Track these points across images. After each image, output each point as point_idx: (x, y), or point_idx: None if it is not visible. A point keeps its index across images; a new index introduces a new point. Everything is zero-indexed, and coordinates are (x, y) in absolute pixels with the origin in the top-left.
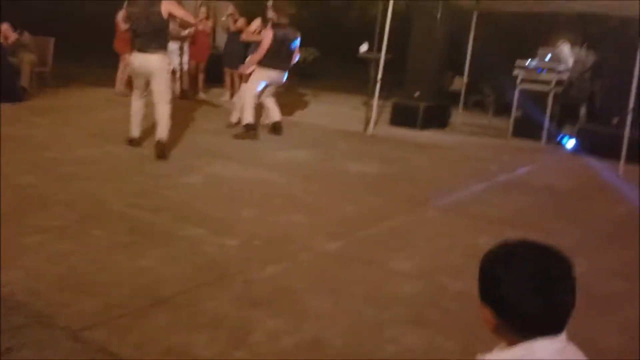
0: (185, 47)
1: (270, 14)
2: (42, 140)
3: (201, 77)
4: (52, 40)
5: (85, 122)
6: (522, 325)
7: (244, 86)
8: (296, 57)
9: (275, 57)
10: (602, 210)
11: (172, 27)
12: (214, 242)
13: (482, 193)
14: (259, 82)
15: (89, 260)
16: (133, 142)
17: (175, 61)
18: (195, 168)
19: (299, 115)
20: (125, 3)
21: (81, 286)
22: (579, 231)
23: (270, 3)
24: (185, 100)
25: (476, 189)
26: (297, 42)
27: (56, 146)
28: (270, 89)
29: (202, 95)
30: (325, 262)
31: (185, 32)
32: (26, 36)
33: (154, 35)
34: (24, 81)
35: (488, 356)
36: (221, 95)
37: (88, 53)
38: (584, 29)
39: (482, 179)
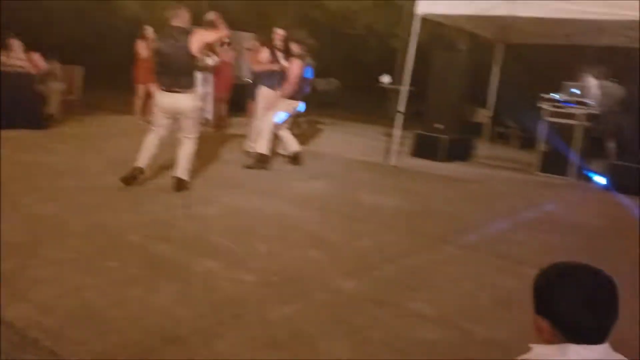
0: (209, 77)
1: (293, 45)
2: (62, 168)
3: (224, 107)
4: (80, 69)
5: (106, 149)
6: (572, 335)
7: (259, 115)
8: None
9: (297, 88)
10: (632, 251)
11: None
12: (230, 277)
13: (507, 231)
14: (279, 113)
15: (103, 295)
16: (135, 172)
17: (200, 91)
18: (212, 199)
19: (318, 145)
20: (154, 37)
21: (94, 322)
22: (609, 272)
23: (279, 31)
24: (208, 130)
25: (501, 226)
26: (311, 71)
27: (75, 174)
28: (288, 120)
29: (225, 125)
30: (341, 303)
31: (209, 62)
32: (56, 65)
33: (183, 72)
34: (52, 108)
35: (525, 356)
36: (243, 125)
37: (116, 81)
38: (612, 62)
39: (507, 216)
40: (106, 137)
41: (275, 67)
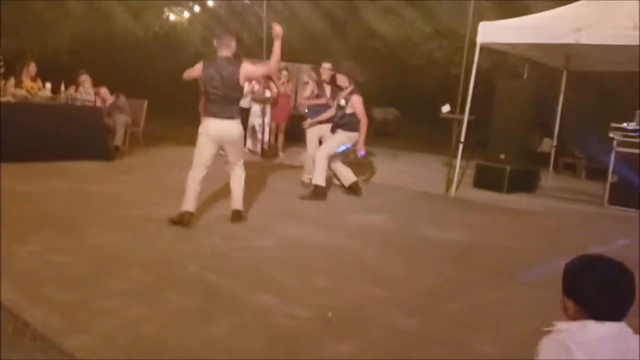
0: (267, 108)
1: (340, 77)
2: (125, 199)
3: (281, 137)
4: (144, 103)
5: (169, 180)
6: (593, 314)
7: (311, 147)
8: None
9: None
10: None
11: (257, 89)
12: (286, 312)
13: None
14: (339, 145)
15: (160, 326)
16: (184, 217)
17: (257, 122)
18: (269, 230)
19: (377, 176)
20: (201, 62)
21: (150, 355)
22: None
23: (325, 65)
24: (265, 160)
25: (568, 261)
26: None
27: (138, 204)
28: (344, 152)
29: (281, 155)
30: (401, 341)
31: (268, 94)
32: (122, 99)
33: (229, 101)
34: (118, 140)
35: (556, 327)
36: (300, 155)
37: (180, 113)
38: None
39: (575, 251)
40: (169, 168)
41: (321, 101)
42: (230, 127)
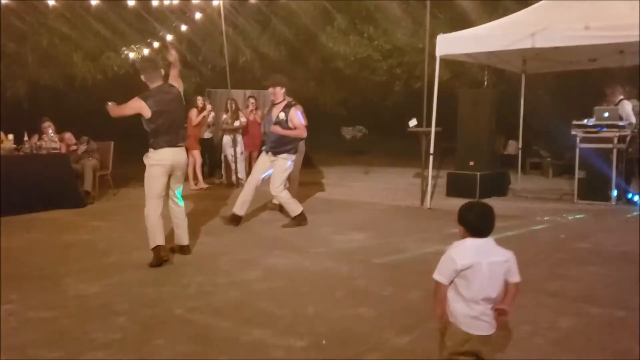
0: (238, 138)
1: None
2: (102, 245)
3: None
4: (111, 144)
5: (143, 222)
6: (472, 233)
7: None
8: None
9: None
10: None
11: (224, 119)
12: (281, 345)
13: (556, 266)
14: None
15: None
16: (160, 254)
17: (230, 152)
18: (253, 261)
19: (352, 194)
20: (137, 99)
21: None
22: None
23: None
24: (240, 189)
25: (549, 261)
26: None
27: (116, 250)
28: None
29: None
30: None
31: (237, 123)
32: (92, 145)
33: (181, 126)
34: (87, 185)
35: (454, 245)
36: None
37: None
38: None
39: (554, 250)
40: (142, 209)
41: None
42: (183, 154)
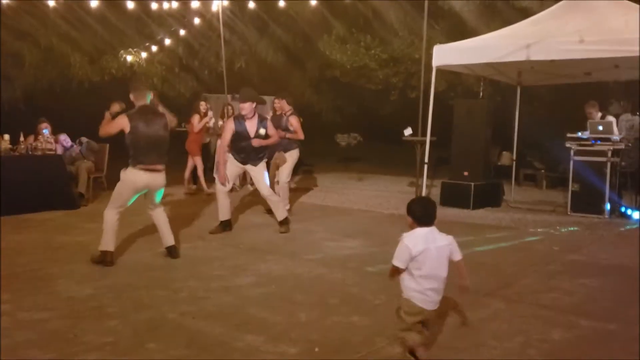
0: None
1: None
2: (95, 248)
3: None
4: (106, 147)
5: (137, 224)
6: (419, 223)
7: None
8: None
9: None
10: None
11: (221, 125)
12: (273, 351)
13: (549, 278)
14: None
15: None
16: (107, 257)
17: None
18: (247, 267)
19: (345, 201)
20: (124, 117)
21: None
22: None
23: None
24: (235, 195)
25: (542, 273)
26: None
27: None
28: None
29: (250, 188)
30: None
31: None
32: (85, 145)
33: (164, 150)
34: (81, 187)
35: (405, 235)
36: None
37: None
38: (633, 96)
39: (547, 262)
40: (135, 212)
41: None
42: (160, 178)
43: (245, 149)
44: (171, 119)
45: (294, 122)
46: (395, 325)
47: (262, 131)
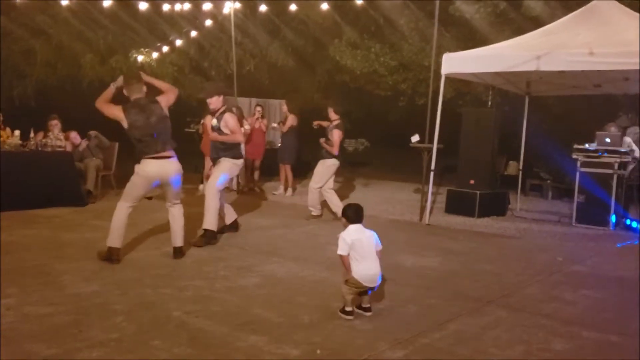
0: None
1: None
2: (102, 245)
3: (257, 173)
4: (116, 145)
5: (145, 223)
6: (351, 222)
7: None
8: None
9: None
10: None
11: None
12: (275, 352)
13: (552, 288)
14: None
15: None
16: (113, 254)
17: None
18: (252, 268)
19: None
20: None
21: None
22: None
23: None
24: (241, 195)
25: (545, 283)
26: None
27: None
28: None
29: (257, 190)
30: None
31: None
32: (101, 139)
33: (168, 137)
34: (90, 185)
35: (342, 234)
36: (275, 189)
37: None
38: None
39: (550, 272)
40: (142, 211)
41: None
42: (171, 165)
43: (213, 144)
44: (168, 89)
45: (335, 135)
46: (341, 290)
47: (214, 122)
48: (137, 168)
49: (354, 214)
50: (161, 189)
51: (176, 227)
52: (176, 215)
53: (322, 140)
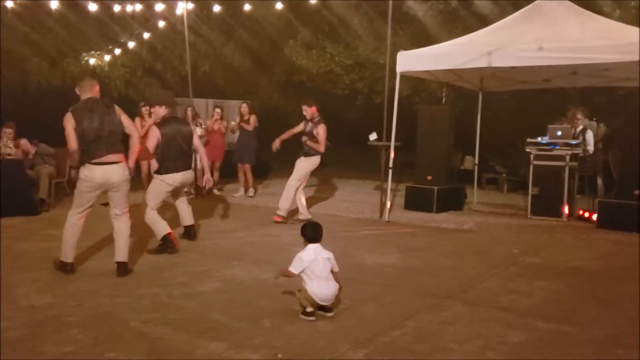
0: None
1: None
2: (56, 255)
3: (216, 175)
4: (67, 151)
5: (101, 230)
6: (310, 241)
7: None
8: None
9: None
10: (636, 292)
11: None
12: (236, 358)
13: (508, 280)
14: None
15: None
16: (68, 268)
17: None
18: (211, 273)
19: (311, 205)
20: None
21: None
22: (618, 318)
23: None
24: (200, 199)
25: (502, 276)
26: None
27: None
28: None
29: (216, 192)
30: None
31: (199, 132)
32: (42, 147)
33: (116, 140)
34: (43, 193)
35: (299, 254)
36: (235, 191)
37: None
38: (591, 102)
39: (506, 265)
40: (97, 218)
41: None
42: (117, 171)
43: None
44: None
45: (320, 131)
46: (296, 297)
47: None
48: (81, 173)
49: (312, 233)
50: (109, 199)
51: (120, 241)
52: (120, 227)
53: (304, 138)
